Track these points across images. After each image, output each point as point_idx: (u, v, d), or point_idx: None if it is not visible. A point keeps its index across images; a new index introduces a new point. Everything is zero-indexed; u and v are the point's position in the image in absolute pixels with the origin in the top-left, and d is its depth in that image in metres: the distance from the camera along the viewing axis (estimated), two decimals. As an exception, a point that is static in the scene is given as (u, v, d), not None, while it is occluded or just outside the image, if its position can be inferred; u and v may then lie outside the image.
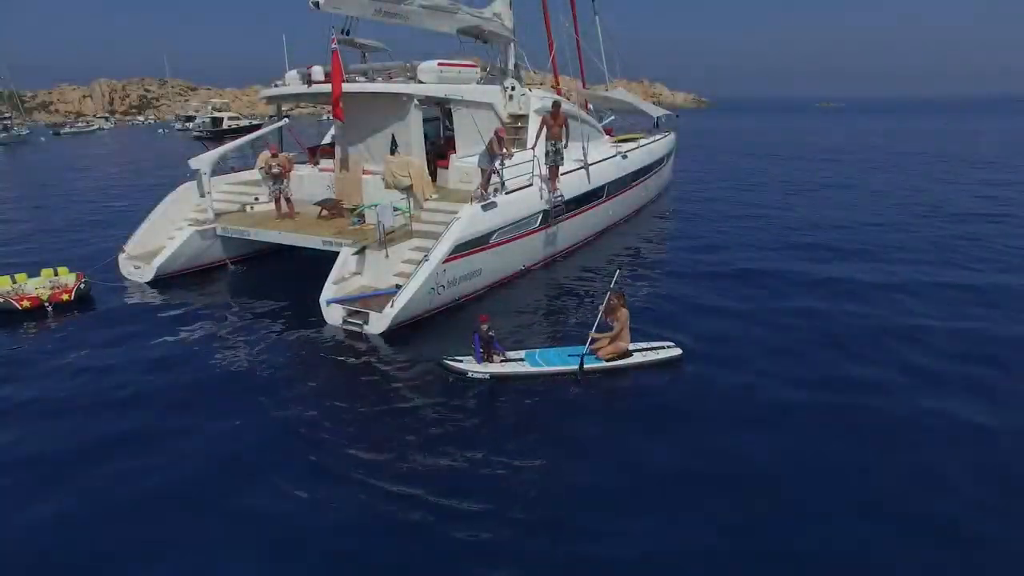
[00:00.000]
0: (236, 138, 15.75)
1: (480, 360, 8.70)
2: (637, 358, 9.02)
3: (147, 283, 12.91)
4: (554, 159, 13.21)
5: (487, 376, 8.52)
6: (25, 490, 6.45)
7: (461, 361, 8.75)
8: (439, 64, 13.95)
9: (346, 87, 12.89)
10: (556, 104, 13.60)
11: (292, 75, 14.75)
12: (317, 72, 13.81)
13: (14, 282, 11.76)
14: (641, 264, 14.56)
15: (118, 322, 10.99)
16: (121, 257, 13.60)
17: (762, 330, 10.37)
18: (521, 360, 8.90)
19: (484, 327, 8.72)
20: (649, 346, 9.32)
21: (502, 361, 8.80)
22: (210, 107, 77.47)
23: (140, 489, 6.40)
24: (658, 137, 22.56)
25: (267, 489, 6.41)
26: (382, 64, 15.40)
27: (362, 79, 14.10)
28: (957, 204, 21.54)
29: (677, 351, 9.25)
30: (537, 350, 9.20)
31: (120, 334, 10.41)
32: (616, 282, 9.49)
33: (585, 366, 8.63)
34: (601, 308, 9.19)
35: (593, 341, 8.94)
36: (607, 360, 8.85)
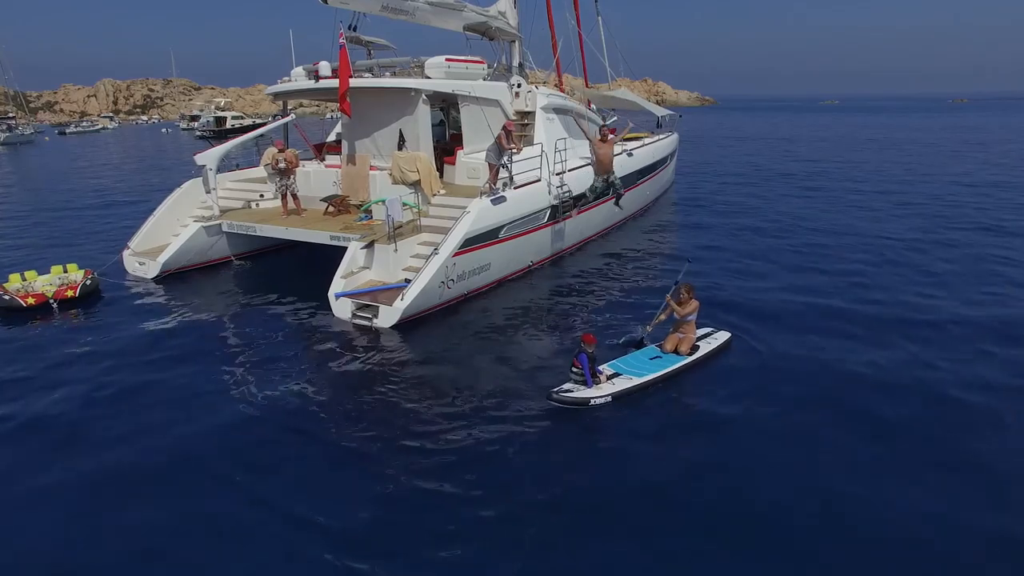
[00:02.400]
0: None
1: (591, 384, 7.80)
2: (703, 348, 8.89)
3: (153, 279, 12.88)
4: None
5: (608, 400, 7.72)
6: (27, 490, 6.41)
7: (571, 391, 7.73)
8: (447, 59, 13.90)
9: (354, 82, 12.83)
10: (603, 130, 13.97)
11: (298, 71, 14.72)
12: (324, 68, 13.76)
13: (24, 279, 11.74)
14: (652, 258, 14.51)
15: (121, 318, 10.95)
16: (126, 254, 13.58)
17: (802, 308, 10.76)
18: (618, 374, 8.18)
19: (591, 348, 7.81)
20: (702, 333, 9.25)
21: (607, 379, 8.03)
22: (213, 106, 77.81)
23: (144, 485, 6.36)
24: (661, 137, 22.56)
25: (273, 484, 6.34)
26: (389, 60, 15.37)
27: (369, 75, 14.05)
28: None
29: (727, 334, 9.30)
30: (616, 360, 8.59)
31: (123, 330, 10.36)
32: (684, 273, 9.58)
33: (675, 367, 8.43)
34: (670, 301, 8.86)
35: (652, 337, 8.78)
36: (687, 355, 8.66)
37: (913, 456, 6.68)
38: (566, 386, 7.79)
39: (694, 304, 8.77)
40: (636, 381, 8.00)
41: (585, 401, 7.60)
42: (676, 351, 8.74)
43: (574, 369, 7.85)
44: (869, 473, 6.41)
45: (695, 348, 8.82)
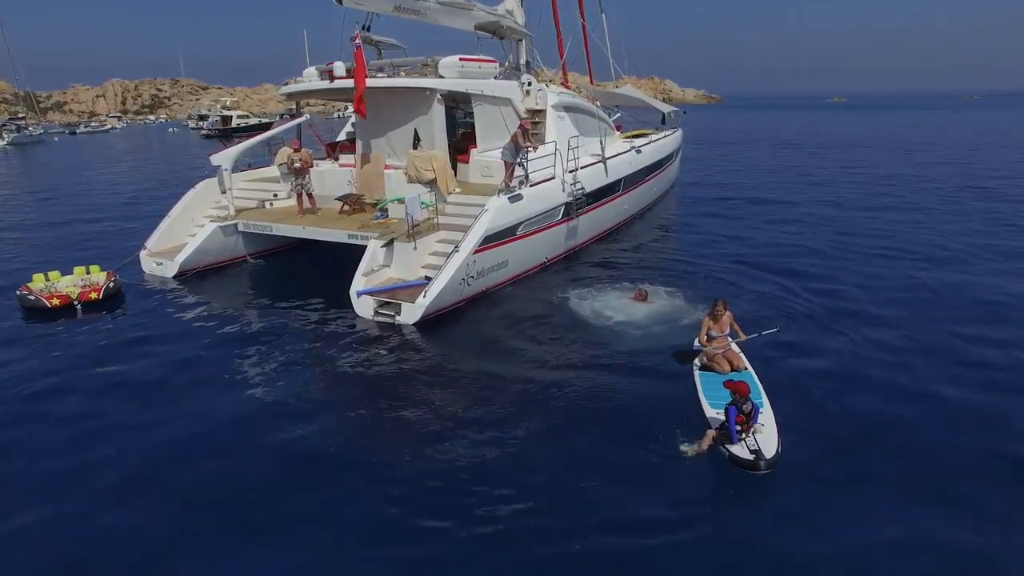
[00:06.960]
0: (244, 136, 15.81)
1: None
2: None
3: (172, 278, 13.01)
4: None
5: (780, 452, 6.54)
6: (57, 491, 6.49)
7: (761, 449, 6.38)
8: (460, 59, 13.97)
9: (370, 82, 12.90)
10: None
11: (311, 71, 14.77)
12: (339, 68, 13.83)
13: (47, 280, 11.86)
14: (661, 253, 14.59)
15: (144, 319, 11.03)
16: (143, 254, 13.69)
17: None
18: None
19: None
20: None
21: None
22: (220, 106, 78.45)
23: (158, 484, 6.44)
24: (667, 134, 22.66)
25: (293, 484, 6.38)
26: (402, 60, 15.45)
27: (381, 75, 14.14)
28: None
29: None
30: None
31: (147, 331, 10.46)
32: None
33: (758, 382, 7.75)
34: (706, 320, 8.41)
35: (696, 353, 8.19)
36: (744, 368, 8.10)
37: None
38: (759, 446, 6.42)
39: (728, 317, 8.42)
40: (769, 412, 7.13)
41: (779, 454, 6.47)
42: (734, 368, 8.04)
43: (754, 425, 6.60)
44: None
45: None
